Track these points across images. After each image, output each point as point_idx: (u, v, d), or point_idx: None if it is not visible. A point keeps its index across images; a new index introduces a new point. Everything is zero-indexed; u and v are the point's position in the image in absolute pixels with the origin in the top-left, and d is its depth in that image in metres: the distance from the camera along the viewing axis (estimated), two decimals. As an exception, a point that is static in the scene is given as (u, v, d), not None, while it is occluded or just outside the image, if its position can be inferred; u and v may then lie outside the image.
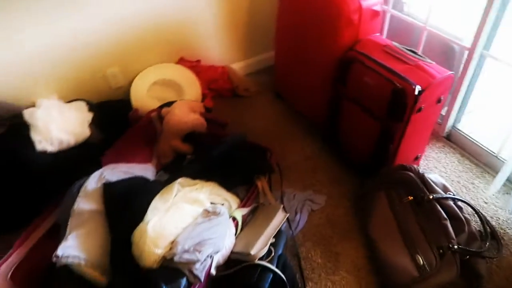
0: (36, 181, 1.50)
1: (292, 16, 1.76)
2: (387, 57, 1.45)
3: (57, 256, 1.19)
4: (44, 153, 1.54)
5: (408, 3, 2.04)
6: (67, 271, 1.22)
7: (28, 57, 1.65)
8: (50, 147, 1.56)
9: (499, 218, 1.49)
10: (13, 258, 1.31)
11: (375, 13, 1.59)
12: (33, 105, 1.67)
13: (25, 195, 1.48)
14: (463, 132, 1.78)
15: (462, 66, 1.65)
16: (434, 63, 1.40)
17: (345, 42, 1.56)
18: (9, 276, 1.27)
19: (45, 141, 1.55)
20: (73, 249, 1.23)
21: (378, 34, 1.63)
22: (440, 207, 1.32)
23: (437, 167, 1.70)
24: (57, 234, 1.34)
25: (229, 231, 1.31)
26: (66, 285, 1.22)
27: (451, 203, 1.35)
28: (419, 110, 1.36)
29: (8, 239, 1.34)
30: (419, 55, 1.44)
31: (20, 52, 1.62)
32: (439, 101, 1.42)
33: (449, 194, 1.38)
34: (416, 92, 1.31)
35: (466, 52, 1.60)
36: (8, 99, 1.65)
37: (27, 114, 1.58)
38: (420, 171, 1.42)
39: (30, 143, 1.53)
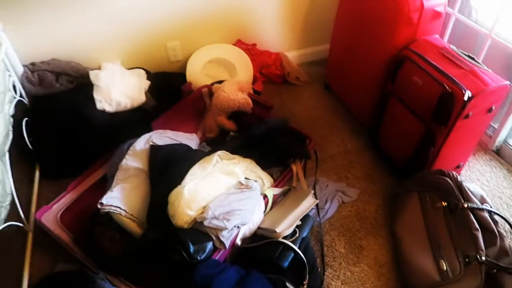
0: (93, 135, 1.64)
1: (352, 11, 1.77)
2: (441, 60, 1.42)
3: (102, 204, 1.33)
4: (102, 112, 1.69)
5: (478, 9, 1.97)
6: (108, 218, 1.35)
7: (99, 25, 1.79)
8: (109, 107, 1.70)
9: (538, 240, 1.43)
10: (65, 200, 1.46)
11: (437, 14, 1.56)
12: (99, 68, 1.83)
13: (82, 146, 1.64)
14: (514, 148, 1.71)
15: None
16: (490, 70, 1.36)
17: (401, 40, 1.55)
18: (59, 216, 1.42)
19: (104, 101, 1.70)
20: (116, 199, 1.35)
21: (437, 36, 1.60)
22: (474, 217, 1.30)
23: (480, 180, 1.65)
24: (104, 185, 1.48)
25: (259, 207, 1.37)
26: (106, 230, 1.34)
27: (486, 215, 1.32)
28: (466, 116, 1.33)
29: (65, 184, 1.50)
30: (476, 61, 1.40)
31: (92, 20, 1.77)
32: (490, 110, 1.38)
33: (486, 206, 1.34)
34: (466, 98, 1.28)
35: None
36: (78, 60, 1.82)
37: (92, 75, 1.73)
38: (459, 178, 1.39)
39: (92, 101, 1.68)
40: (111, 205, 1.33)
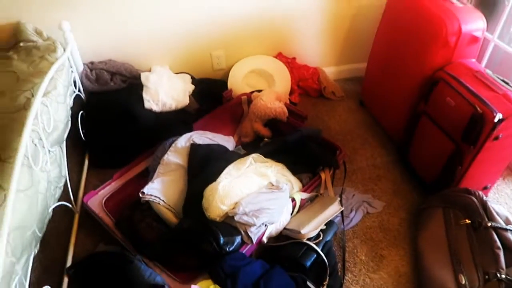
0: (139, 131, 1.79)
1: (392, 31, 1.84)
2: (475, 82, 1.46)
3: (143, 193, 1.46)
4: (149, 111, 1.84)
5: (518, 36, 1.99)
6: (148, 206, 1.48)
7: (152, 32, 1.95)
8: (155, 107, 1.85)
9: None
10: (110, 188, 1.61)
11: (474, 39, 1.60)
12: (149, 70, 1.99)
13: (129, 141, 1.78)
14: (547, 175, 1.71)
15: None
16: (524, 95, 1.39)
17: (437, 62, 1.60)
18: (103, 201, 1.56)
19: (152, 101, 1.85)
20: (156, 190, 1.48)
21: (474, 59, 1.64)
22: (497, 236, 1.32)
23: (508, 203, 1.66)
24: (146, 177, 1.61)
25: (287, 208, 1.46)
26: (145, 217, 1.46)
27: (510, 236, 1.34)
28: (496, 138, 1.37)
29: (110, 173, 1.64)
30: (510, 86, 1.43)
31: (147, 27, 1.93)
32: (520, 134, 1.41)
33: (511, 227, 1.36)
34: (496, 120, 1.32)
35: None
36: (132, 62, 1.99)
37: (143, 76, 1.89)
38: (484, 198, 1.42)
39: (141, 101, 1.84)
40: (152, 195, 1.45)
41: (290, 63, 2.21)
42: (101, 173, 1.76)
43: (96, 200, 1.56)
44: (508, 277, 1.23)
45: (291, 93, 2.20)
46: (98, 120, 1.81)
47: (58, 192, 1.39)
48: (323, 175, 1.59)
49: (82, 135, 1.80)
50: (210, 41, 2.07)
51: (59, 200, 1.38)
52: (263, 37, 2.15)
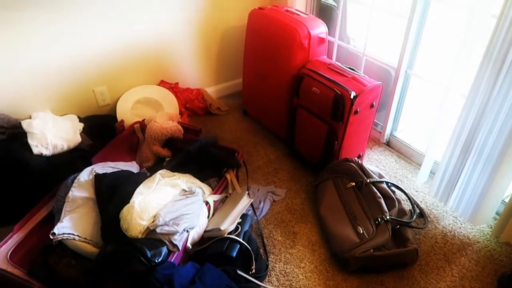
0: (33, 179, 1.70)
1: (257, 45, 2.12)
2: (330, 72, 1.80)
3: (54, 234, 1.40)
4: (40, 156, 1.77)
5: (354, 38, 2.47)
6: (62, 248, 1.42)
7: (23, 77, 1.89)
8: (45, 151, 1.78)
9: (427, 202, 1.80)
10: (12, 241, 1.49)
11: (322, 40, 1.96)
12: (29, 118, 1.91)
13: (24, 192, 1.68)
14: (398, 138, 2.13)
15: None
16: (366, 76, 1.76)
17: (298, 62, 1.91)
18: (8, 255, 1.44)
19: (41, 146, 1.78)
20: (67, 228, 1.44)
21: (325, 56, 2.00)
22: (376, 189, 1.63)
23: (378, 166, 2.02)
24: (51, 223, 1.54)
25: (203, 212, 1.55)
26: (61, 258, 1.40)
27: (385, 186, 1.66)
28: (356, 112, 1.70)
29: (7, 231, 1.52)
30: (355, 71, 1.80)
31: (16, 72, 1.87)
32: (372, 106, 1.76)
33: (383, 179, 1.69)
34: (352, 97, 1.65)
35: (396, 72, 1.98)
36: (7, 112, 1.89)
37: (25, 124, 1.81)
38: (360, 162, 1.73)
39: (27, 148, 1.75)
40: (64, 233, 1.41)
41: (173, 88, 2.34)
42: (-4, 233, 1.62)
43: (0, 256, 1.44)
44: (392, 217, 1.53)
45: (180, 116, 2.32)
46: (-20, 178, 1.67)
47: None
48: (228, 176, 1.73)
49: (-37, 197, 1.63)
50: (90, 78, 2.09)
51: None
52: (143, 67, 2.25)
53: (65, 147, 1.84)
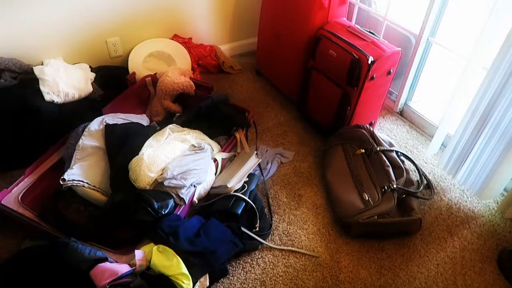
0: (42, 126, 1.71)
1: (274, 3, 2.05)
2: (349, 35, 1.74)
3: (64, 180, 1.43)
4: (51, 103, 1.77)
5: (375, 1, 2.36)
6: (71, 194, 1.45)
7: (39, 23, 1.87)
8: (57, 98, 1.78)
9: (435, 174, 1.79)
10: (24, 184, 1.53)
11: (343, 1, 1.88)
12: (40, 64, 1.90)
13: (34, 137, 1.70)
14: (412, 108, 2.09)
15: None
16: (386, 41, 1.70)
17: (317, 22, 1.85)
18: (19, 197, 1.48)
19: (52, 93, 1.78)
20: (77, 175, 1.46)
21: (345, 18, 1.93)
22: (385, 157, 1.62)
23: (389, 135, 2.00)
24: (62, 168, 1.56)
25: (211, 168, 1.57)
26: (70, 204, 1.44)
27: (394, 155, 1.65)
28: (372, 78, 1.65)
29: (18, 174, 1.55)
30: (375, 35, 1.73)
31: (32, 18, 1.84)
32: (389, 73, 1.71)
33: (394, 148, 1.67)
34: (369, 62, 1.60)
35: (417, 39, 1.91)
36: (19, 57, 1.87)
37: (37, 70, 1.80)
38: (371, 129, 1.71)
39: (39, 94, 1.75)
40: (74, 180, 1.43)
41: (187, 43, 2.30)
42: (8, 176, 1.66)
43: (11, 198, 1.46)
44: (399, 186, 1.53)
45: (192, 71, 2.29)
46: (-8, 122, 1.69)
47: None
48: (237, 135, 1.73)
49: (-24, 138, 1.66)
50: (103, 28, 2.05)
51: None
52: (157, 19, 2.20)
53: (76, 96, 1.84)
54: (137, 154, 1.46)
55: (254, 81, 2.37)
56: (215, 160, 1.60)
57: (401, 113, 2.15)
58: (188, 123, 1.69)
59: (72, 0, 1.89)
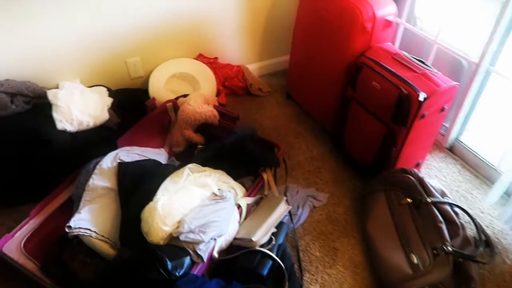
0: (53, 157, 1.58)
1: (310, 22, 1.84)
2: (395, 64, 1.51)
3: (70, 227, 1.27)
4: (63, 132, 1.63)
5: (421, 19, 2.11)
6: (77, 242, 1.30)
7: (55, 43, 1.74)
8: (70, 127, 1.64)
9: (494, 228, 1.54)
10: (28, 227, 1.38)
11: (388, 23, 1.66)
12: (56, 87, 1.77)
13: (44, 169, 1.57)
14: (465, 145, 1.84)
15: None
16: (440, 73, 1.47)
17: (358, 48, 1.64)
18: (22, 244, 1.34)
19: (65, 121, 1.64)
20: (85, 222, 1.30)
21: (390, 43, 1.70)
22: (437, 210, 1.38)
23: (438, 176, 1.75)
24: (70, 208, 1.42)
25: (234, 217, 1.37)
26: (76, 255, 1.28)
27: (448, 208, 1.41)
28: (423, 116, 1.42)
29: (25, 210, 1.42)
30: (426, 65, 1.50)
31: (48, 38, 1.72)
32: (442, 109, 1.48)
33: (447, 199, 1.43)
34: (421, 99, 1.37)
35: (473, 67, 1.66)
36: (33, 80, 1.75)
37: (50, 94, 1.67)
38: (420, 175, 1.47)
39: (51, 122, 1.62)
40: (80, 228, 1.28)
41: (212, 63, 2.13)
42: (15, 212, 1.53)
43: (13, 244, 1.32)
44: (454, 249, 1.29)
45: (217, 94, 2.11)
46: (1, 150, 1.56)
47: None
48: (265, 176, 1.53)
49: (-17, 171, 1.53)
50: (123, 47, 1.91)
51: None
52: (180, 38, 2.04)
53: (91, 124, 1.69)
54: (151, 199, 1.29)
55: (283, 106, 2.17)
56: (239, 207, 1.41)
57: (451, 149, 1.89)
58: (210, 161, 1.51)
59: (90, 19, 1.76)
